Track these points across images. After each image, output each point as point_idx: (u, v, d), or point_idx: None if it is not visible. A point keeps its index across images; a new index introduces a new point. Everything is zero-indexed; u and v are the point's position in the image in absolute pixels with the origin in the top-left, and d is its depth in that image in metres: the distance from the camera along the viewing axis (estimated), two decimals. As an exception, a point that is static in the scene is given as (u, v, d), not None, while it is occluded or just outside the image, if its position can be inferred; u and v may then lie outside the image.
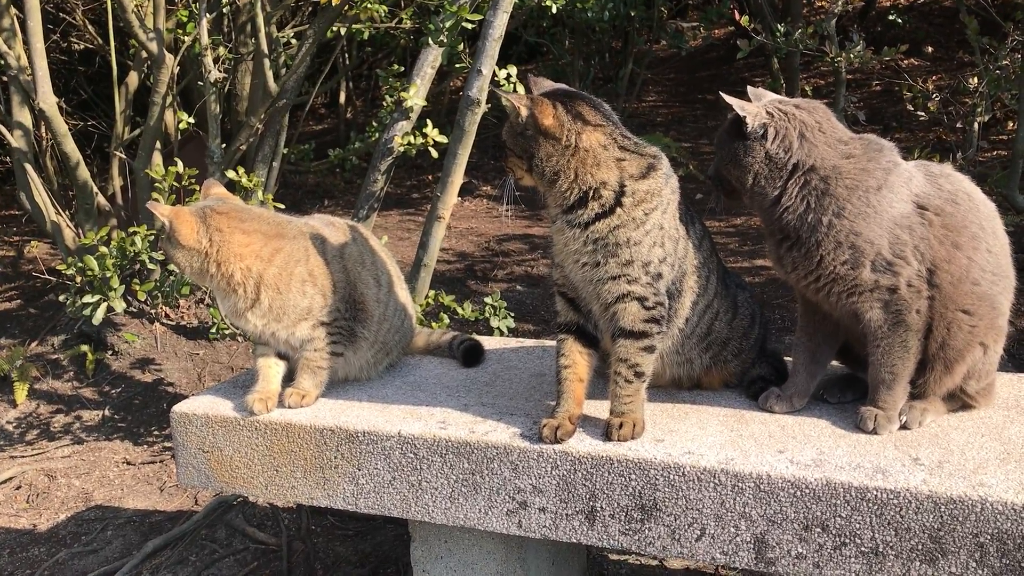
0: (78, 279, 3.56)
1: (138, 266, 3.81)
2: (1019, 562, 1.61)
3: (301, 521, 3.13)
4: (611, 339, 1.98)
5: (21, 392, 4.23)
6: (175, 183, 3.73)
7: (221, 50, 4.49)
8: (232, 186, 3.61)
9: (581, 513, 1.91)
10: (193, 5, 4.53)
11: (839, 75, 4.76)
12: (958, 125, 4.77)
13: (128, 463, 3.77)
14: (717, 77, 8.32)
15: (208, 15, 4.12)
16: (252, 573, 2.94)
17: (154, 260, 3.62)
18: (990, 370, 1.98)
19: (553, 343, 2.16)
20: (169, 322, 4.60)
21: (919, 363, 1.92)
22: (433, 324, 3.44)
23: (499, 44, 3.22)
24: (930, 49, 6.29)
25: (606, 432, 1.93)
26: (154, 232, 3.52)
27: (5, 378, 4.30)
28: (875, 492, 1.68)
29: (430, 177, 7.14)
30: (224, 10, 4.71)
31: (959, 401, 1.99)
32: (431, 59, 3.76)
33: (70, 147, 4.47)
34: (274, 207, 3.42)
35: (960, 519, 1.63)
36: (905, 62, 6.95)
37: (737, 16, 4.55)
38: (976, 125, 4.47)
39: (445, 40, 3.35)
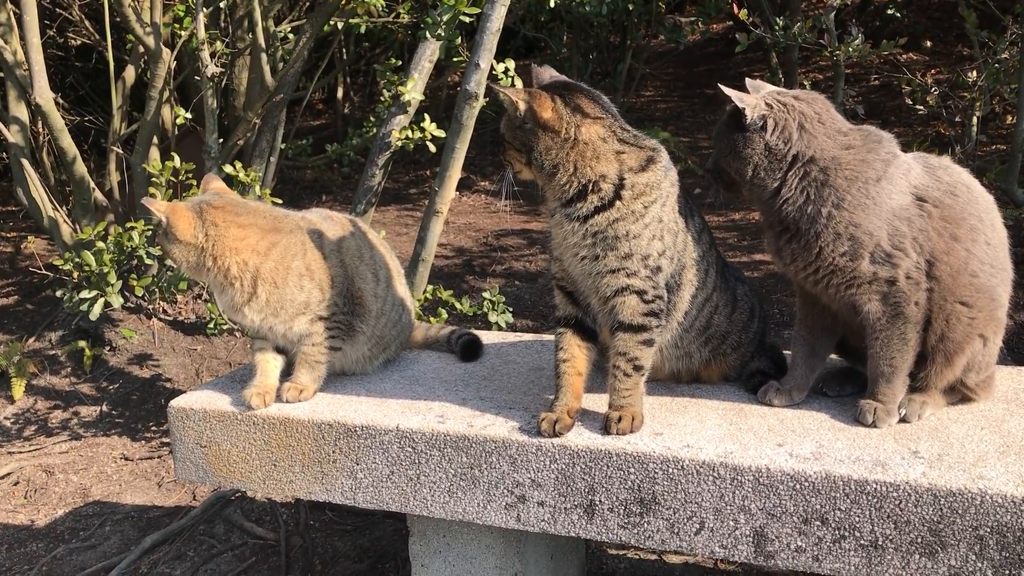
0: (75, 274, 3.56)
1: (135, 261, 3.81)
2: (1019, 555, 1.60)
3: (299, 516, 3.13)
4: (610, 333, 1.97)
5: (19, 388, 4.22)
6: (172, 178, 3.73)
7: (218, 45, 4.47)
8: (230, 181, 3.60)
9: (580, 507, 1.91)
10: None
11: (838, 69, 4.75)
12: (957, 119, 4.76)
13: (126, 459, 3.76)
14: (715, 71, 8.30)
15: (205, 9, 4.10)
16: (250, 568, 2.94)
17: (151, 255, 3.62)
18: (989, 362, 1.97)
19: (551, 337, 2.15)
20: (167, 317, 4.59)
21: (919, 356, 1.91)
22: (431, 319, 3.43)
23: (497, 38, 3.21)
24: (929, 43, 6.27)
25: (605, 426, 1.93)
26: (151, 227, 3.52)
27: (2, 374, 4.29)
28: (874, 485, 1.68)
29: (428, 172, 7.12)
30: (221, 4, 4.70)
31: (959, 394, 1.99)
32: (428, 53, 3.75)
33: (67, 142, 4.46)
34: (272, 202, 3.41)
35: (960, 512, 1.63)
36: (904, 56, 6.94)
37: (736, 10, 4.54)
38: (975, 119, 4.46)
39: (443, 34, 3.34)
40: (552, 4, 4.39)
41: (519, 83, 3.53)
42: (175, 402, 2.28)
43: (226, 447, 2.22)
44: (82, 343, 4.40)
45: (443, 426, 2.02)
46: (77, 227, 4.62)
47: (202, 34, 3.98)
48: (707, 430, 1.91)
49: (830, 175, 1.85)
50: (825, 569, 1.74)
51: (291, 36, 5.18)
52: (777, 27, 4.43)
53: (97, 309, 3.42)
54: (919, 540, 1.66)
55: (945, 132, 5.65)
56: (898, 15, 5.85)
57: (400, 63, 3.86)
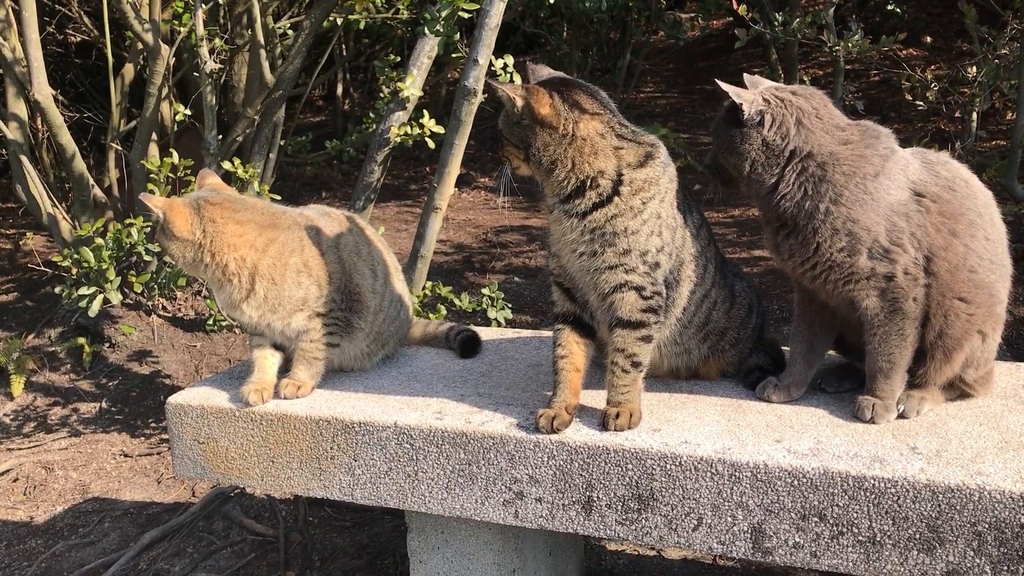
0: (74, 271, 3.55)
1: (134, 258, 3.80)
2: (1017, 551, 1.60)
3: (298, 512, 3.13)
4: (608, 329, 1.97)
5: (18, 385, 4.22)
6: (171, 174, 3.72)
7: (217, 41, 4.46)
8: (228, 177, 3.60)
9: (578, 503, 1.91)
10: (188, -5, 4.51)
11: (837, 65, 4.75)
12: (957, 115, 4.75)
13: (125, 455, 3.76)
14: (715, 67, 8.29)
15: (204, 5, 4.09)
16: (249, 564, 2.94)
17: (150, 252, 3.61)
18: (988, 358, 1.97)
19: (550, 334, 2.15)
20: (166, 314, 4.59)
21: (917, 353, 1.91)
22: (431, 315, 3.43)
23: (496, 34, 3.21)
24: (929, 39, 6.27)
25: (603, 422, 1.92)
26: (150, 224, 3.51)
27: (2, 371, 4.29)
28: (873, 481, 1.67)
29: (427, 168, 7.12)
30: (220, 1, 4.69)
31: (957, 390, 1.98)
32: (428, 49, 3.74)
33: (66, 139, 4.45)
34: (271, 198, 3.41)
35: (958, 508, 1.63)
36: (903, 52, 6.93)
37: (735, 5, 4.53)
38: (975, 115, 4.46)
39: (441, 30, 3.33)
40: (551, 0, 4.38)
41: (518, 79, 3.52)
42: (173, 399, 2.28)
43: (224, 443, 2.22)
44: (81, 340, 4.40)
45: (441, 422, 2.01)
46: (76, 224, 4.62)
47: (201, 30, 3.97)
48: (705, 426, 1.91)
49: (828, 170, 1.84)
50: (823, 565, 1.74)
51: (290, 32, 5.17)
52: (776, 23, 4.42)
53: (96, 306, 3.42)
54: (917, 536, 1.66)
55: (945, 128, 5.64)
56: (898, 10, 5.84)
57: (399, 59, 3.85)
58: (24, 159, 4.56)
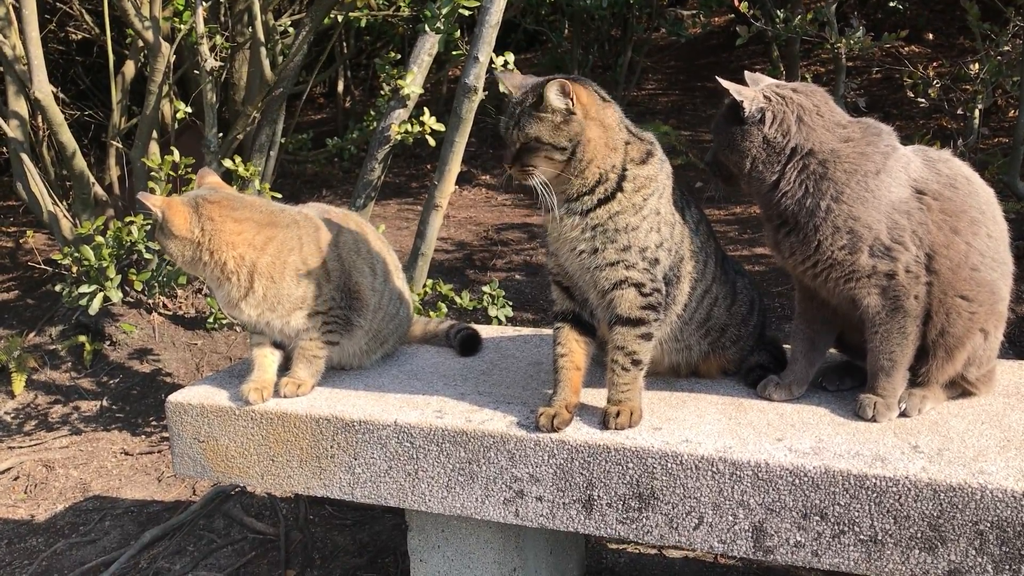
0: (75, 269, 3.55)
1: (135, 256, 3.80)
2: (1019, 550, 1.60)
3: (299, 511, 3.13)
4: (608, 327, 1.96)
5: (19, 383, 4.22)
6: (172, 172, 3.72)
7: (218, 38, 4.46)
8: (229, 175, 3.60)
9: (578, 502, 1.90)
10: (189, -7, 4.50)
11: (839, 62, 4.73)
12: (959, 112, 4.74)
13: (126, 453, 3.76)
14: (717, 65, 8.28)
15: (204, 3, 4.09)
16: (250, 563, 2.94)
17: (151, 250, 3.61)
18: (990, 356, 1.96)
19: (550, 332, 2.14)
20: (167, 312, 4.59)
21: (919, 351, 1.90)
22: (431, 313, 3.42)
23: (496, 31, 3.20)
24: (930, 36, 6.25)
25: (603, 420, 1.92)
26: (150, 222, 3.51)
27: (3, 369, 4.30)
28: (874, 480, 1.67)
29: (428, 166, 7.11)
30: (220, -2, 4.69)
31: (959, 388, 1.98)
32: (428, 47, 3.73)
33: (66, 137, 4.45)
34: (272, 196, 3.40)
35: (960, 507, 1.62)
36: (905, 49, 6.92)
37: (737, 2, 4.51)
38: (977, 112, 4.45)
39: (441, 27, 3.33)
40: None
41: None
42: (173, 397, 2.28)
43: (224, 442, 2.22)
44: (82, 338, 4.40)
45: (441, 421, 2.01)
46: (77, 222, 4.61)
47: (201, 28, 3.97)
48: (706, 425, 1.91)
49: (829, 168, 1.84)
50: (824, 564, 1.74)
51: (291, 30, 5.17)
52: (778, 20, 4.41)
53: (96, 304, 3.42)
54: (919, 535, 1.66)
55: (947, 125, 5.63)
56: (900, 7, 5.83)
57: (400, 57, 3.84)
58: (25, 157, 4.56)
